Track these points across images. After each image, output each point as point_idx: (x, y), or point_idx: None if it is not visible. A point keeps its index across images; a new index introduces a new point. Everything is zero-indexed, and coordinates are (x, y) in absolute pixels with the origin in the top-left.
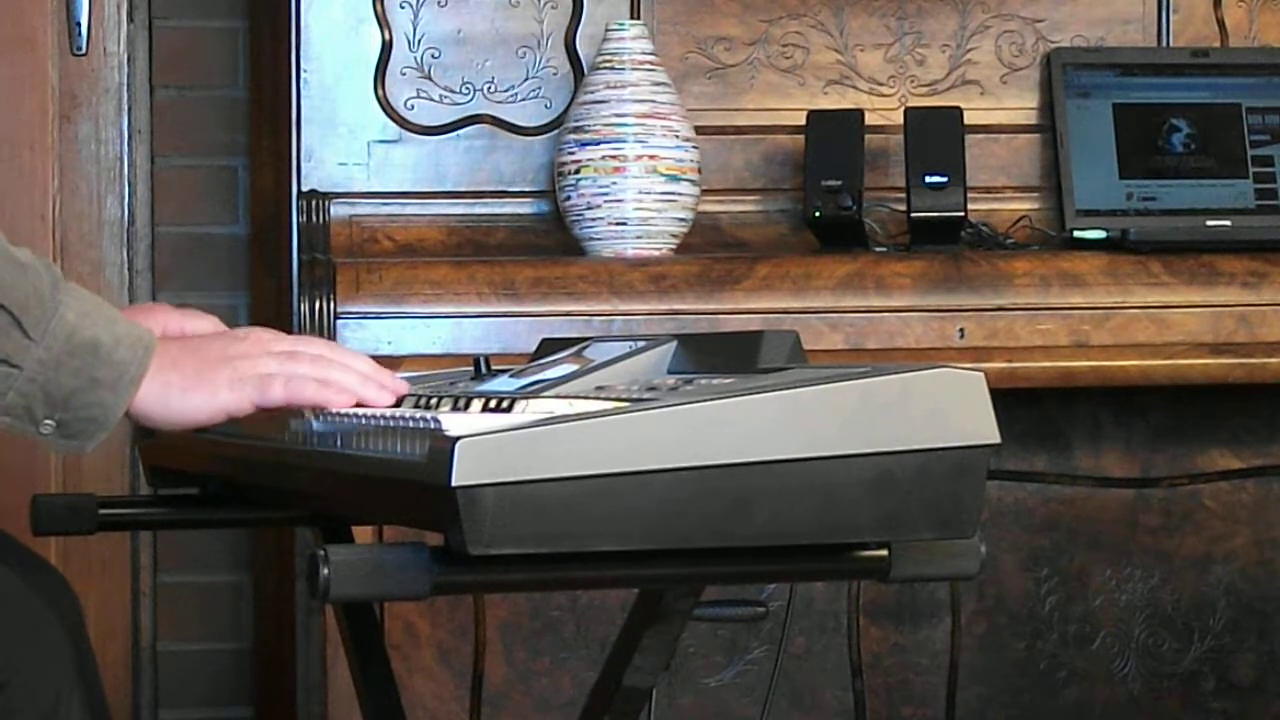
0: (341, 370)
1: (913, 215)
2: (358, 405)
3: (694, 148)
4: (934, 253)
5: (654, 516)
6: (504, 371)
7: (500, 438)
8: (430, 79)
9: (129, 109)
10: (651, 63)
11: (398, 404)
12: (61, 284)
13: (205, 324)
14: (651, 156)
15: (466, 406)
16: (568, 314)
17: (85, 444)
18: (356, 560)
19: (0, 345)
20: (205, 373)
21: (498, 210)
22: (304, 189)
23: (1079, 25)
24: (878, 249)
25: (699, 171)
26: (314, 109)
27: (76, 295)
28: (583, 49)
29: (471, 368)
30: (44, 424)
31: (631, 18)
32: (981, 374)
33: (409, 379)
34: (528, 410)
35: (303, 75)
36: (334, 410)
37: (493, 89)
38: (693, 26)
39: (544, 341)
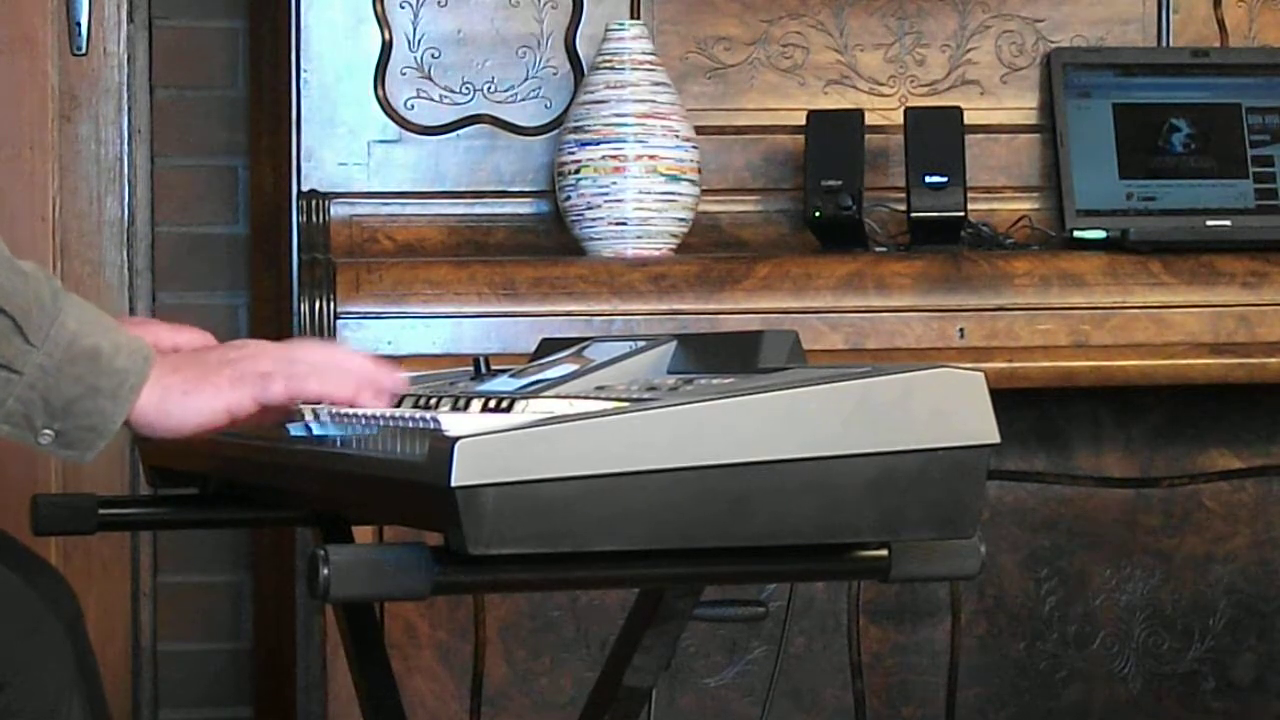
0: (339, 362)
1: (913, 215)
2: (357, 403)
3: (694, 148)
4: (934, 253)
5: (654, 516)
6: (504, 371)
7: (500, 438)
8: (430, 79)
9: (129, 109)
10: (651, 63)
11: (398, 404)
12: (62, 293)
13: (196, 338)
14: (651, 156)
15: (466, 406)
16: (568, 314)
17: (84, 454)
18: (356, 560)
19: (1, 350)
20: (206, 375)
21: (498, 210)
22: (304, 189)
23: (1079, 25)
24: (878, 249)
25: (699, 171)
26: (314, 109)
27: (76, 304)
28: (583, 49)
29: (471, 368)
30: (43, 433)
31: (631, 18)
32: (981, 374)
33: (409, 379)
34: (528, 410)
35: (303, 75)
36: (334, 409)
37: (493, 89)
38: (693, 26)
39: (544, 341)
